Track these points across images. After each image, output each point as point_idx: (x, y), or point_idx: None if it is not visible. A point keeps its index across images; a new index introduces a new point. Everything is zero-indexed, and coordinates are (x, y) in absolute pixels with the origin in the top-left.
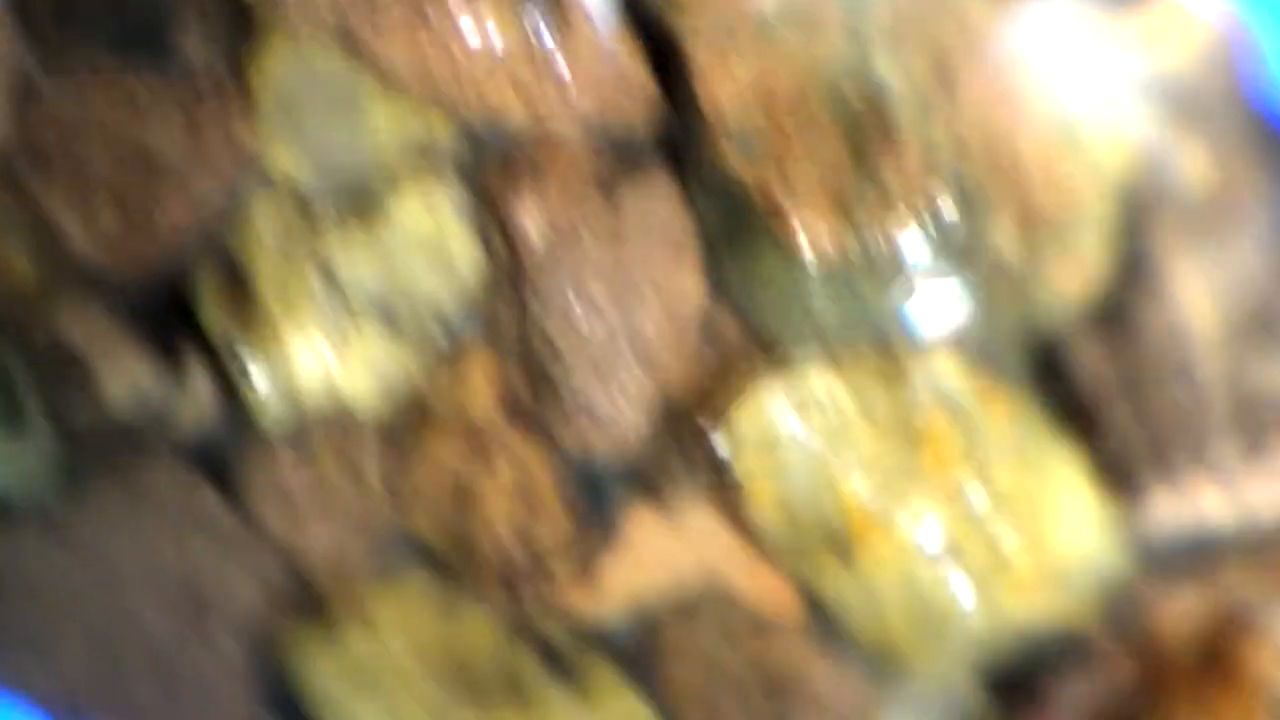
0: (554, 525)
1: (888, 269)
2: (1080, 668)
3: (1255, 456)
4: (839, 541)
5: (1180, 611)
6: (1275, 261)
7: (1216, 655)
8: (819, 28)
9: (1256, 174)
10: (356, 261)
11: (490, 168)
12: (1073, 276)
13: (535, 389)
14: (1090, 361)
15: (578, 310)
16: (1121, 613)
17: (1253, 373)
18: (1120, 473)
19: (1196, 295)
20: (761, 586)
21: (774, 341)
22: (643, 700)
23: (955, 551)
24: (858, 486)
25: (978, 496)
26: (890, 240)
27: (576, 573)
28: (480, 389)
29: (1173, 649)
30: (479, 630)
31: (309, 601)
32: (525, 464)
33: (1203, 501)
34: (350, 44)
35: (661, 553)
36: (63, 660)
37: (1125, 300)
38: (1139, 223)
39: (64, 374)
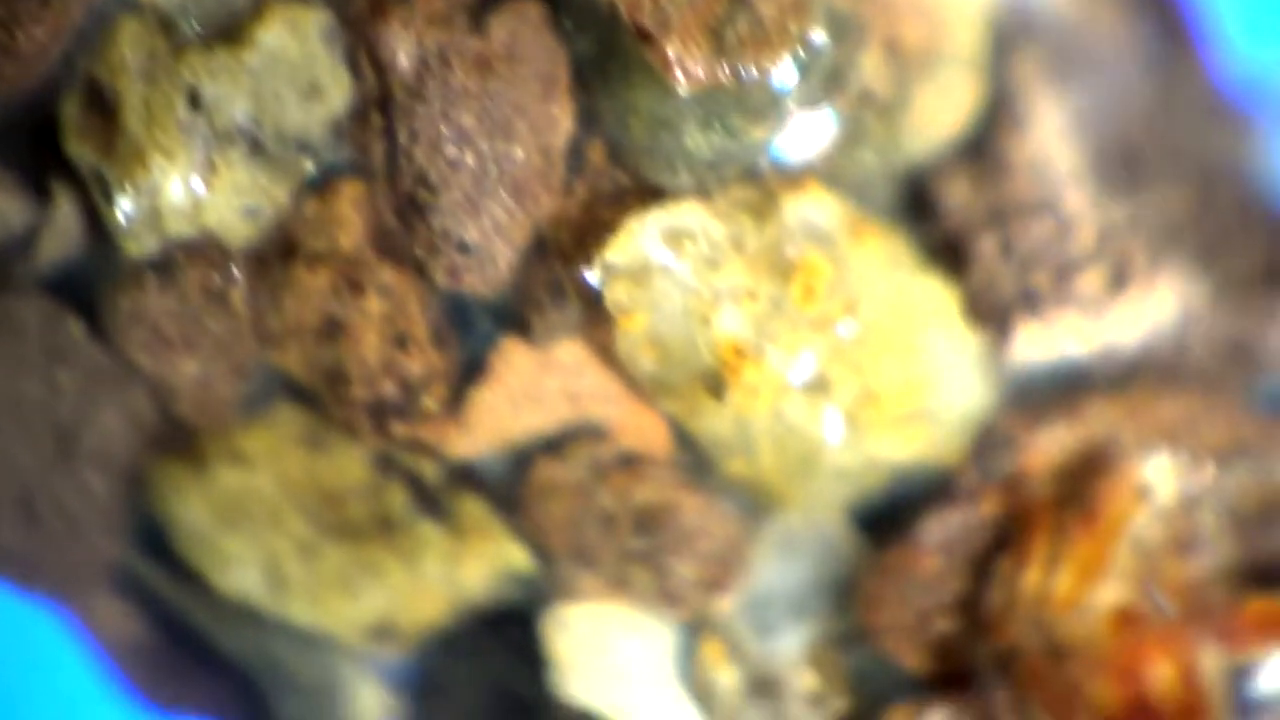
0: (423, 359)
1: (759, 98)
2: (948, 503)
3: (1119, 289)
4: (710, 375)
5: (1045, 447)
6: (1138, 97)
7: (1078, 491)
8: None
9: (1120, 10)
10: (222, 87)
11: None
12: (940, 109)
13: (405, 220)
14: (957, 195)
15: (448, 140)
16: (988, 449)
17: (1116, 206)
18: (987, 306)
19: (1061, 129)
20: (632, 422)
21: (645, 173)
22: (512, 536)
23: (825, 385)
24: (729, 319)
25: (847, 330)
26: (762, 69)
27: (446, 407)
28: (349, 220)
29: (1036, 485)
30: (348, 465)
31: (176, 436)
32: (395, 296)
33: (1068, 335)
34: None
35: (531, 388)
36: None
37: (991, 134)
38: (1005, 56)
39: None
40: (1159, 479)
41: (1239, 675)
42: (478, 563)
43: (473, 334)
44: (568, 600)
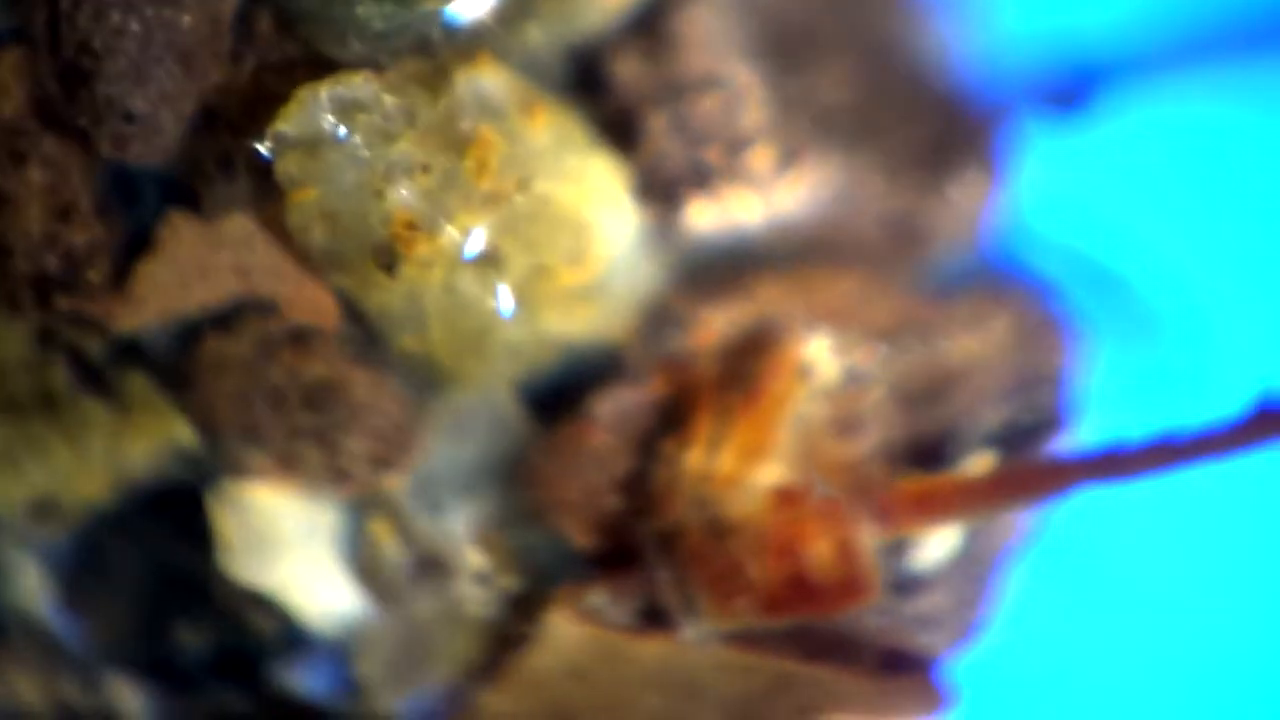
0: (87, 231)
1: None
2: (617, 381)
3: (788, 166)
4: (382, 249)
5: (713, 326)
6: None
7: (742, 371)
8: None
9: None
10: None
11: None
12: None
13: (68, 89)
14: (627, 71)
15: (111, 6)
16: (657, 326)
17: (786, 83)
18: (657, 183)
19: (731, 5)
20: (302, 297)
21: (316, 43)
22: (179, 413)
23: (497, 261)
24: (401, 193)
25: (519, 205)
26: None
27: (110, 281)
28: (10, 88)
29: (703, 363)
30: (9, 340)
31: None
32: (58, 167)
33: (738, 211)
34: None
35: (199, 261)
36: None
37: (660, 9)
38: None
39: None
40: (821, 359)
41: (896, 552)
42: (143, 440)
43: (139, 206)
44: (235, 478)
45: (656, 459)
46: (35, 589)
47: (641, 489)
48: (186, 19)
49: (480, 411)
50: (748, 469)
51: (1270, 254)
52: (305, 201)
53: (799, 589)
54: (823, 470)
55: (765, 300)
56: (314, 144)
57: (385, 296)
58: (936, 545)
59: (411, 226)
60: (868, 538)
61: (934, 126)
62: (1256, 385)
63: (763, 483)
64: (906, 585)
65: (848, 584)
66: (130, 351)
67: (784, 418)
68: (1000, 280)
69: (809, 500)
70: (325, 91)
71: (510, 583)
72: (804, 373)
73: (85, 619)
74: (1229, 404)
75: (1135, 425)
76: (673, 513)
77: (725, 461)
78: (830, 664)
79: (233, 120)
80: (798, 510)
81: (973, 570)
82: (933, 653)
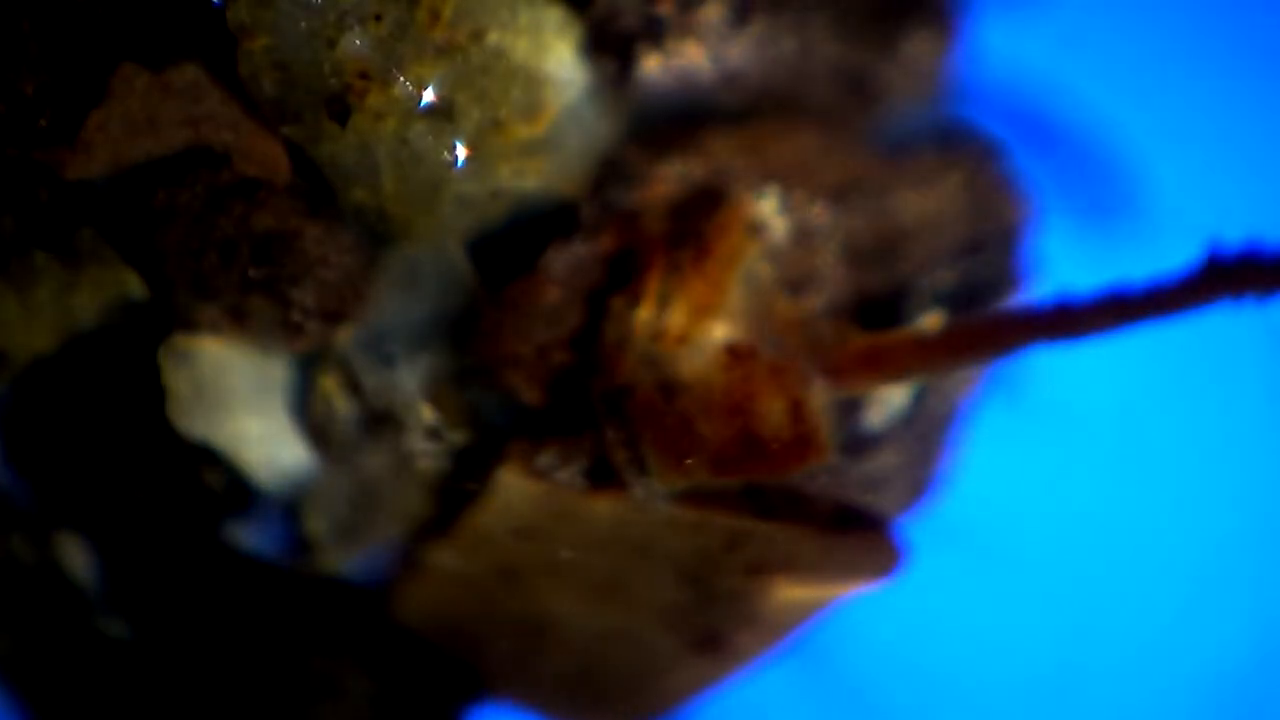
0: (36, 78)
1: None
2: (569, 236)
3: (741, 20)
4: (333, 99)
5: (664, 182)
6: None
7: (692, 228)
8: None
9: None
10: None
11: None
12: None
13: None
14: None
15: None
16: (609, 181)
17: None
18: (610, 36)
19: None
20: (252, 148)
21: None
22: (128, 265)
23: (450, 112)
24: (354, 42)
25: (472, 57)
26: None
27: (60, 129)
28: None
29: (654, 220)
30: None
31: None
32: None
33: (690, 66)
34: None
35: (149, 111)
36: None
37: None
38: None
39: None
40: (772, 216)
41: (848, 411)
42: (91, 291)
43: (89, 56)
44: (185, 332)
45: (606, 316)
46: None
47: (591, 346)
48: None
49: (431, 266)
50: (698, 327)
51: (1216, 108)
52: (256, 50)
53: (750, 448)
54: (774, 328)
55: (717, 156)
56: None
57: (337, 147)
58: (887, 404)
59: (364, 76)
60: (819, 396)
61: None
62: (1204, 239)
63: (713, 341)
64: (858, 444)
65: (799, 443)
66: (80, 202)
67: (735, 275)
68: (954, 139)
69: (760, 359)
70: None
71: (460, 438)
72: (755, 230)
73: (30, 473)
74: (1178, 258)
75: (1085, 283)
76: (623, 371)
77: (675, 319)
78: (782, 523)
79: None
80: (748, 369)
81: (925, 430)
82: (885, 513)
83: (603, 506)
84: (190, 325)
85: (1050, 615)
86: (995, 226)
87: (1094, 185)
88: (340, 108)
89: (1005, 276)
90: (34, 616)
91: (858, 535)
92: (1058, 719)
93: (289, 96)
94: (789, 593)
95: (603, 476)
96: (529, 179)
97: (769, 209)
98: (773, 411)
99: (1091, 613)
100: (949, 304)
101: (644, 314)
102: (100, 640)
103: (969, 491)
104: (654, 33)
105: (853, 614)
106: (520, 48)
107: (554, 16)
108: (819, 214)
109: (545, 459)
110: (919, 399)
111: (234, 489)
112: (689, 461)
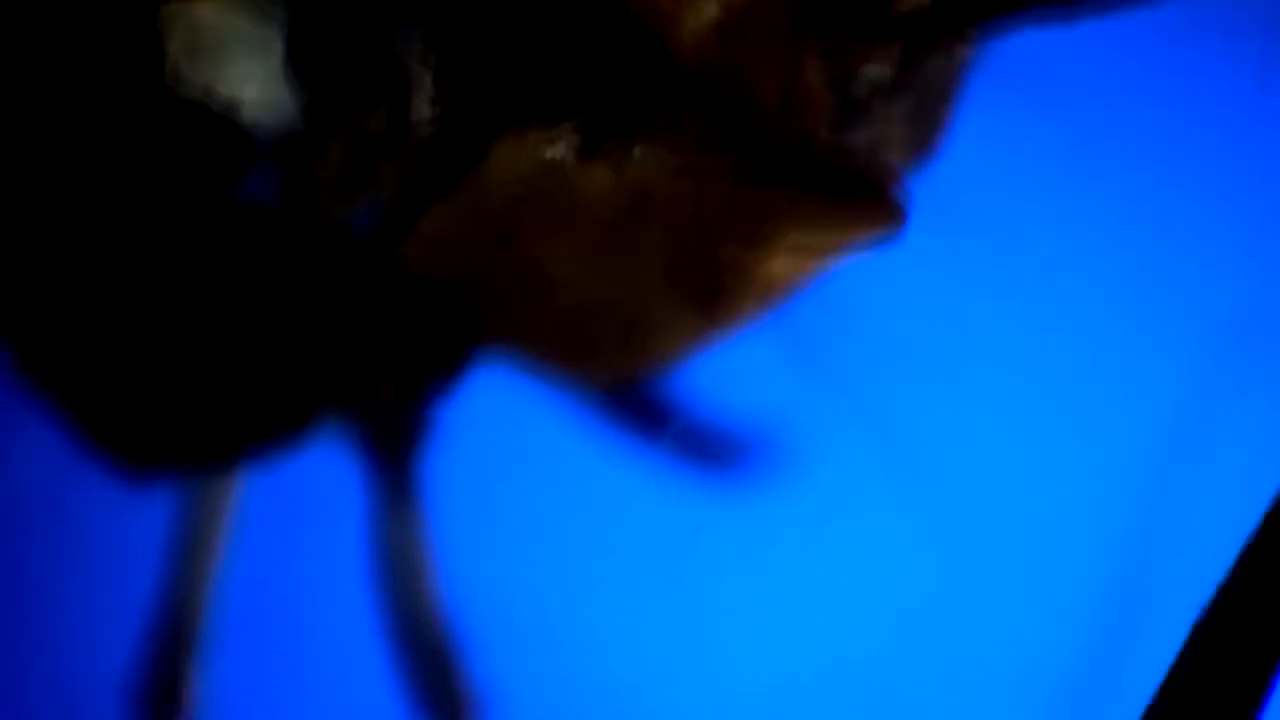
0: None
1: None
2: None
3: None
4: None
5: None
6: None
7: None
8: None
9: None
10: None
11: None
12: None
13: None
14: None
15: None
16: None
17: None
18: None
19: None
20: None
21: None
22: None
23: None
24: None
25: None
26: None
27: None
28: None
29: None
30: None
31: None
32: None
33: None
34: None
35: None
36: None
37: None
38: None
39: None
40: None
41: (844, 71)
42: None
43: None
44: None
45: None
46: None
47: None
48: None
49: None
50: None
51: None
52: None
53: (746, 115)
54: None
55: None
56: None
57: None
58: (884, 63)
59: None
60: (818, 59)
61: None
62: None
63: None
64: (856, 104)
65: (797, 106)
66: None
67: None
68: None
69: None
70: None
71: (460, 102)
72: None
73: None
74: None
75: None
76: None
77: None
78: (783, 187)
79: None
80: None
81: (926, 87)
82: (888, 171)
83: (600, 173)
84: None
85: (1034, 295)
86: None
87: None
88: None
89: None
90: None
91: (862, 194)
92: (1035, 395)
93: None
94: (787, 254)
95: (598, 150)
96: None
97: None
98: (769, 78)
99: (1075, 298)
100: None
101: None
102: None
103: (959, 165)
104: None
105: (841, 283)
106: None
107: None
108: None
109: (543, 133)
110: (913, 67)
111: (237, 142)
112: (688, 132)
